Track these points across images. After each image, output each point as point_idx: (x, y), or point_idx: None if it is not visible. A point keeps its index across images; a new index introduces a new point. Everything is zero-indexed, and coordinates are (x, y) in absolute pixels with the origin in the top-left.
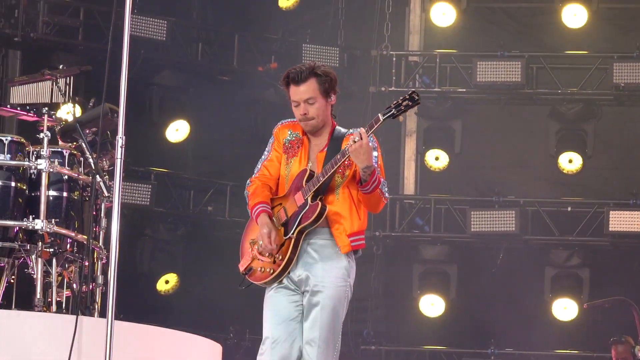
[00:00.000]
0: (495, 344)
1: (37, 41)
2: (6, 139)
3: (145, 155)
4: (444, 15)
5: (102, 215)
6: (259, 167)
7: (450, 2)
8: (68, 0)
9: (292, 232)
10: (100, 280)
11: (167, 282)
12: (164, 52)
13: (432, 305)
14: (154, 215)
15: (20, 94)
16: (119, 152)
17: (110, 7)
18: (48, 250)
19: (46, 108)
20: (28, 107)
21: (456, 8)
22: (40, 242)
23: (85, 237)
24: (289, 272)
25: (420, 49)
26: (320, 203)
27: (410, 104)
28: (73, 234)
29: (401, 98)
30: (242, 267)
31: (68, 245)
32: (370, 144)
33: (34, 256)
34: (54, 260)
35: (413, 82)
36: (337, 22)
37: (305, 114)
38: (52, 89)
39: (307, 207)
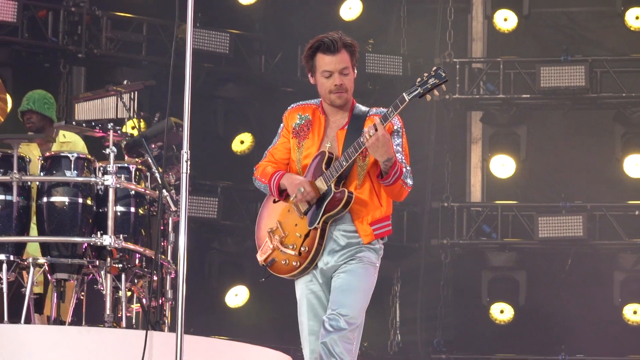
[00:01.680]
0: (566, 350)
1: (101, 57)
2: (73, 156)
3: (211, 169)
4: (506, 21)
5: (169, 229)
6: (265, 153)
7: (512, 8)
8: (131, 15)
9: (317, 222)
10: (169, 294)
11: (236, 295)
12: (227, 65)
13: (501, 312)
14: (222, 228)
15: (85, 110)
16: (185, 166)
17: (173, 22)
18: (117, 265)
19: (111, 124)
20: (93, 123)
21: (518, 14)
22: (108, 258)
23: (154, 252)
24: (316, 264)
25: (483, 55)
26: (346, 190)
27: (437, 81)
28: (141, 249)
29: (426, 75)
30: (261, 258)
31: (137, 261)
32: (395, 126)
33: (103, 272)
34: (123, 276)
35: (477, 89)
36: (399, 31)
37: (342, 84)
38: (116, 105)
39: (332, 195)
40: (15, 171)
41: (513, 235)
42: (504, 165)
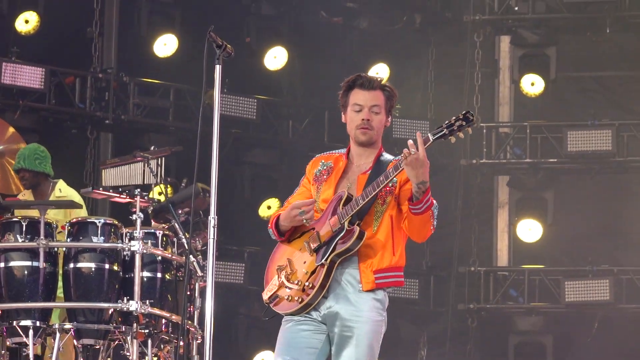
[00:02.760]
0: None
1: (128, 123)
2: (99, 222)
3: (238, 234)
4: (533, 86)
5: (196, 295)
6: (284, 204)
7: (539, 73)
8: (158, 81)
9: (325, 258)
10: None
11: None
12: (254, 130)
13: None
14: (249, 293)
15: (113, 176)
16: (212, 232)
17: (200, 87)
18: (143, 331)
19: (138, 189)
20: (120, 189)
21: (545, 78)
22: (135, 324)
23: (180, 317)
24: (318, 303)
25: (510, 120)
26: (358, 228)
27: (464, 123)
28: (168, 315)
29: (454, 118)
30: (266, 296)
31: (163, 326)
32: None
33: (129, 337)
34: (150, 342)
35: (504, 153)
36: (426, 96)
37: (369, 119)
38: (143, 170)
39: (344, 232)
40: (42, 237)
41: (540, 300)
42: (530, 230)
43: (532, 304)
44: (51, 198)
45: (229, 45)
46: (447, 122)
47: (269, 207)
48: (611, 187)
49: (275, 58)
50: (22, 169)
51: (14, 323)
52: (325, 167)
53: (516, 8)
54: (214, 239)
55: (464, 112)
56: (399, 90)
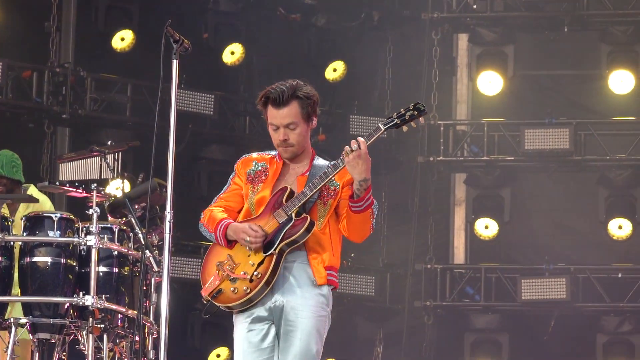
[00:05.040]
0: None
1: (85, 118)
2: (55, 216)
3: (194, 229)
4: (490, 84)
5: (152, 290)
6: (215, 199)
7: (497, 71)
8: (115, 76)
9: (274, 248)
10: (151, 355)
11: (218, 355)
12: (212, 126)
13: None
14: None
15: (69, 170)
16: (168, 227)
17: (157, 83)
18: (99, 326)
19: (95, 184)
20: (77, 184)
21: (503, 76)
22: (91, 318)
23: (136, 312)
24: (263, 297)
25: (467, 117)
26: (308, 217)
27: (415, 113)
28: (124, 310)
29: (404, 108)
30: (206, 292)
31: (119, 321)
32: None
33: (85, 332)
34: (105, 336)
35: (461, 151)
36: (384, 93)
37: (286, 139)
38: (100, 165)
39: (292, 222)
40: None
41: (496, 298)
42: (487, 227)
43: (489, 301)
44: (23, 203)
45: (186, 40)
46: (397, 112)
47: None
48: (568, 185)
49: (233, 54)
50: (1, 176)
51: None
52: (259, 168)
53: (474, 6)
54: (169, 234)
55: (414, 102)
56: (357, 88)
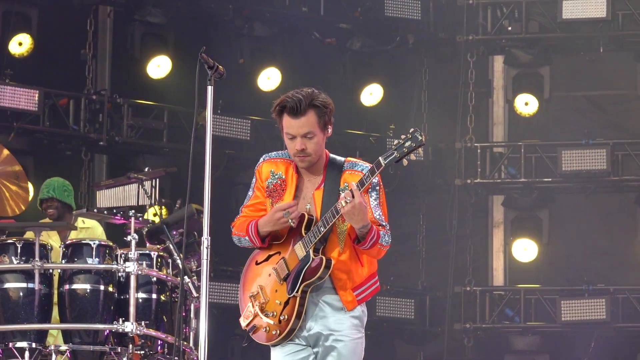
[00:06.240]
0: None
1: (122, 144)
2: (94, 243)
3: (232, 255)
4: (527, 105)
5: (191, 316)
6: (240, 210)
7: (532, 92)
8: (152, 102)
9: (296, 290)
10: None
11: None
12: (248, 151)
13: None
14: None
15: (107, 197)
16: (205, 253)
17: (193, 109)
18: (139, 352)
19: (133, 211)
20: (115, 211)
21: (539, 98)
22: (130, 345)
23: (175, 338)
24: (295, 332)
25: (504, 139)
26: (324, 258)
27: (413, 145)
28: (163, 336)
29: (403, 137)
30: (244, 324)
31: (158, 347)
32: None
33: (125, 359)
34: None
35: (498, 173)
36: (420, 116)
37: (303, 149)
38: (138, 192)
39: (310, 262)
40: (37, 259)
41: (536, 319)
42: (526, 249)
43: (528, 323)
44: (74, 231)
45: (220, 66)
46: (396, 142)
47: None
48: (606, 206)
49: (269, 79)
50: (52, 199)
51: (10, 345)
52: (277, 180)
53: (509, 28)
54: (207, 259)
55: (411, 130)
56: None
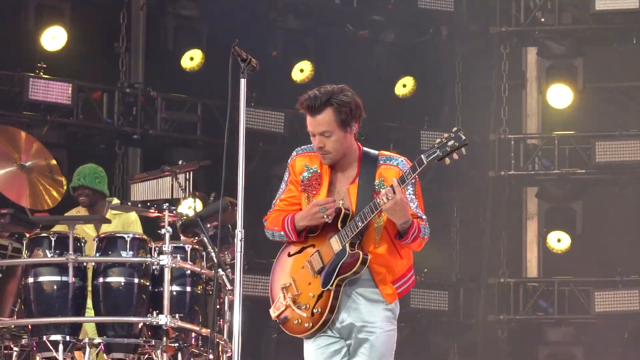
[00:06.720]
0: None
1: (156, 137)
2: (128, 236)
3: (267, 247)
4: (560, 97)
5: (225, 308)
6: (273, 204)
7: (567, 84)
8: (185, 96)
9: (330, 284)
10: None
11: None
12: (282, 144)
13: None
14: None
15: (141, 190)
16: (239, 246)
17: (227, 102)
18: (173, 345)
19: (167, 204)
20: (149, 204)
21: (573, 89)
22: (165, 338)
23: (210, 331)
24: (328, 325)
25: (538, 131)
26: (360, 253)
27: (457, 144)
28: (197, 328)
29: (446, 136)
30: (274, 314)
31: (193, 340)
32: (407, 194)
33: (159, 351)
34: (180, 355)
35: (532, 164)
36: (454, 108)
37: (321, 147)
38: (172, 185)
39: (346, 256)
40: (71, 252)
41: (569, 310)
42: (560, 241)
43: (562, 314)
44: (107, 216)
45: (253, 59)
46: (439, 141)
47: None
48: (639, 197)
49: (302, 71)
50: (83, 187)
51: (44, 338)
52: (312, 174)
53: (542, 19)
54: (241, 252)
55: (454, 129)
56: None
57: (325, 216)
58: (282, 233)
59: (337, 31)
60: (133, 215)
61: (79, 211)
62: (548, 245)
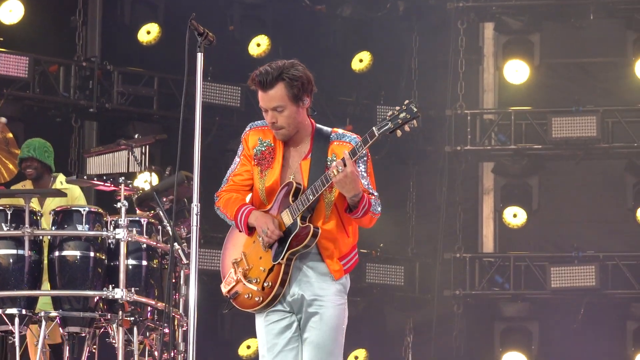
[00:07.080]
0: None
1: (112, 111)
2: (84, 210)
3: (222, 221)
4: (517, 73)
5: (181, 282)
6: (227, 179)
7: (523, 59)
8: (142, 70)
9: (281, 257)
10: (181, 347)
11: (248, 347)
12: (239, 118)
13: None
14: None
15: (97, 164)
16: (195, 220)
17: (184, 76)
18: (129, 319)
19: (123, 177)
20: (105, 177)
21: (529, 65)
22: (120, 311)
23: (165, 304)
24: (279, 299)
25: (494, 106)
26: (312, 226)
27: (408, 116)
28: (153, 302)
29: (397, 109)
30: (225, 290)
31: (148, 314)
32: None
33: (115, 325)
34: (135, 329)
35: (488, 139)
36: (410, 83)
37: (274, 122)
38: (128, 159)
39: (297, 229)
40: (27, 225)
41: (525, 286)
42: (516, 216)
43: (518, 290)
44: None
45: (210, 33)
46: (390, 113)
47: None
48: (596, 173)
49: (259, 46)
50: (32, 158)
51: (0, 311)
52: (265, 147)
53: None
54: (197, 226)
55: (406, 102)
56: (383, 78)
57: (260, 238)
58: (234, 223)
59: (294, 6)
60: (77, 191)
61: (25, 185)
62: (504, 220)
